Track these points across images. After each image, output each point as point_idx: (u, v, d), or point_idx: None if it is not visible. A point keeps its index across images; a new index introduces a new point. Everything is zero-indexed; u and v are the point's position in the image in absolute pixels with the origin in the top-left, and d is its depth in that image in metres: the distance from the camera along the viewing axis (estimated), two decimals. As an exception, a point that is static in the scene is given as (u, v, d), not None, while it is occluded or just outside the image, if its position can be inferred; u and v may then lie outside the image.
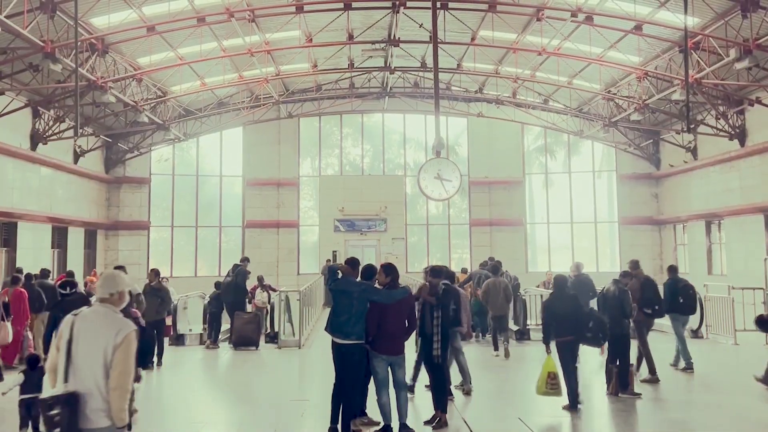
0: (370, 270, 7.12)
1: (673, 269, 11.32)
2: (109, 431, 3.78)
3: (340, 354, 6.85)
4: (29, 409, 7.07)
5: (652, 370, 9.81)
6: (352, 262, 7.17)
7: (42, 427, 3.86)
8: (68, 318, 4.00)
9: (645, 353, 9.91)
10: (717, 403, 8.70)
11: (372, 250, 26.00)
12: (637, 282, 10.08)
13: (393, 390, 6.96)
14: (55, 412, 3.70)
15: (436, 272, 7.67)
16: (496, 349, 12.60)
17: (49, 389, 3.89)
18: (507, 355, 12.35)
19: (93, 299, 6.89)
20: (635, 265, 10.46)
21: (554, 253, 26.91)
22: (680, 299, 10.83)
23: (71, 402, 3.71)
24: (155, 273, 12.37)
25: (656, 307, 10.08)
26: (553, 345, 8.27)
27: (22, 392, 7.08)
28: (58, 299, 8.86)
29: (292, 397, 9.44)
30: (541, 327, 9.12)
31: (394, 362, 6.90)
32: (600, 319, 8.41)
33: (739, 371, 11.11)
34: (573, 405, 8.03)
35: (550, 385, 8.00)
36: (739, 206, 19.66)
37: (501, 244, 26.38)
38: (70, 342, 3.85)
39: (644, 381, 9.66)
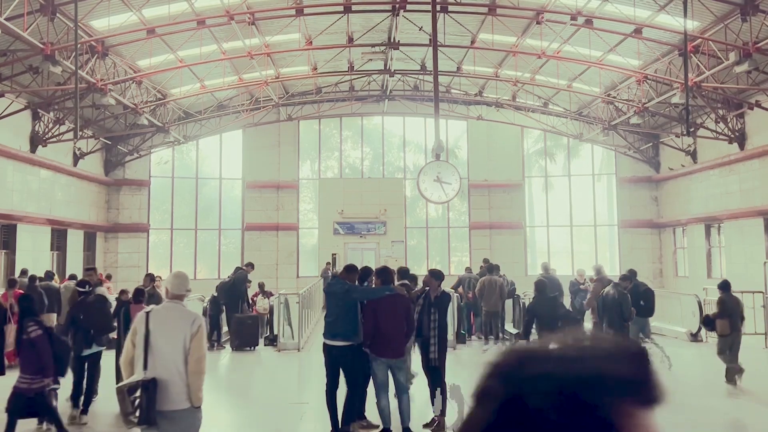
0: (363, 271, 7.30)
1: (632, 273, 11.96)
2: (189, 411, 4.34)
3: (326, 354, 7.03)
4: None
5: None
6: (348, 268, 7.39)
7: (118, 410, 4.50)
8: (141, 315, 4.54)
9: None
10: (715, 407, 8.70)
11: (371, 253, 25.98)
12: (600, 284, 11.32)
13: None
14: (136, 395, 4.21)
15: (435, 275, 7.66)
16: (487, 342, 13.66)
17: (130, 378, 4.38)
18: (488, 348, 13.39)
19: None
20: (600, 269, 11.80)
21: (554, 256, 26.83)
22: (641, 302, 11.46)
23: (151, 387, 4.20)
24: (150, 278, 12.42)
25: None
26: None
27: None
28: (77, 298, 9.13)
29: (292, 400, 9.42)
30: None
31: (393, 365, 6.89)
32: (572, 318, 9.37)
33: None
34: None
35: None
36: (738, 210, 19.65)
37: (501, 247, 26.35)
38: (147, 335, 4.34)
39: None
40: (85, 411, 8.11)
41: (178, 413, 4.31)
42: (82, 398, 8.15)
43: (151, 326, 4.39)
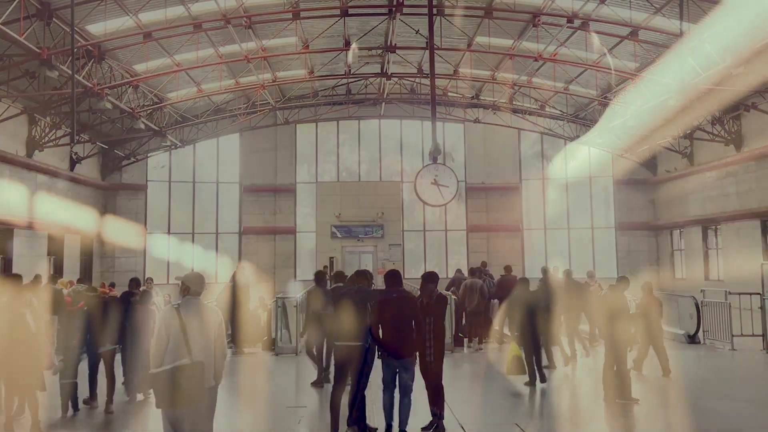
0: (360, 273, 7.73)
1: (568, 273, 12.89)
2: (214, 388, 5.13)
3: (336, 355, 7.22)
4: (67, 392, 8.08)
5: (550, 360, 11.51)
6: (359, 273, 7.75)
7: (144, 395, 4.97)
8: (170, 310, 5.14)
9: (545, 346, 11.53)
10: (713, 409, 8.69)
11: (369, 256, 26.00)
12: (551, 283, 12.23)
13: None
14: (189, 374, 4.86)
15: (428, 278, 7.62)
16: (480, 342, 13.98)
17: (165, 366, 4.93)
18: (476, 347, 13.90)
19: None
20: (545, 270, 12.67)
21: (551, 258, 26.83)
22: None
23: (200, 368, 4.95)
24: (135, 283, 12.39)
25: None
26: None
27: (61, 378, 8.14)
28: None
29: (289, 403, 9.40)
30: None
31: (399, 366, 6.90)
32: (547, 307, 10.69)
33: (735, 377, 11.10)
34: (532, 382, 9.74)
35: (516, 367, 9.75)
36: (735, 211, 19.69)
37: (498, 249, 26.35)
38: (183, 327, 4.99)
39: (545, 367, 10.97)
40: (110, 401, 8.55)
41: (207, 390, 5.06)
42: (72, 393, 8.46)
43: (184, 319, 5.02)
